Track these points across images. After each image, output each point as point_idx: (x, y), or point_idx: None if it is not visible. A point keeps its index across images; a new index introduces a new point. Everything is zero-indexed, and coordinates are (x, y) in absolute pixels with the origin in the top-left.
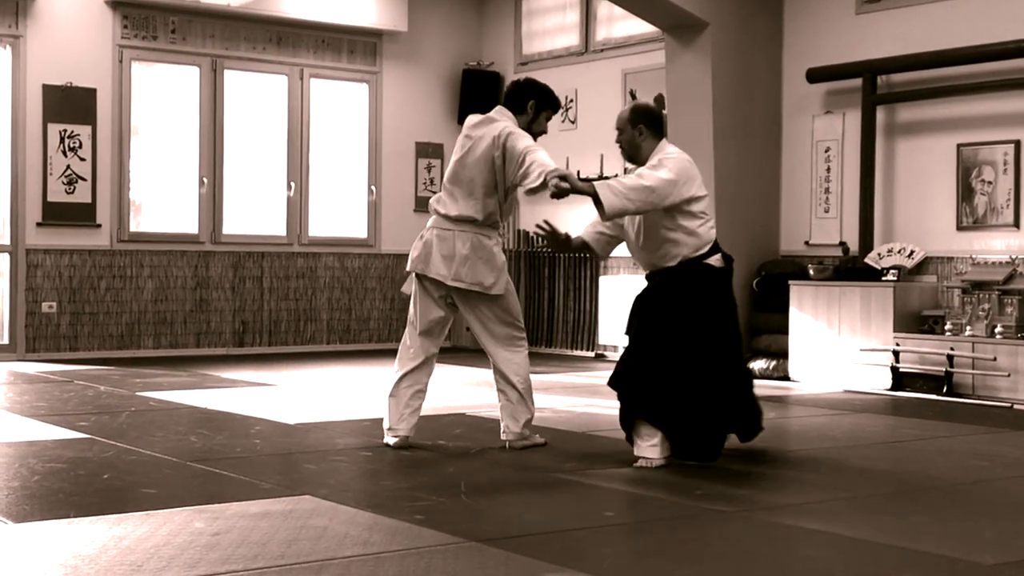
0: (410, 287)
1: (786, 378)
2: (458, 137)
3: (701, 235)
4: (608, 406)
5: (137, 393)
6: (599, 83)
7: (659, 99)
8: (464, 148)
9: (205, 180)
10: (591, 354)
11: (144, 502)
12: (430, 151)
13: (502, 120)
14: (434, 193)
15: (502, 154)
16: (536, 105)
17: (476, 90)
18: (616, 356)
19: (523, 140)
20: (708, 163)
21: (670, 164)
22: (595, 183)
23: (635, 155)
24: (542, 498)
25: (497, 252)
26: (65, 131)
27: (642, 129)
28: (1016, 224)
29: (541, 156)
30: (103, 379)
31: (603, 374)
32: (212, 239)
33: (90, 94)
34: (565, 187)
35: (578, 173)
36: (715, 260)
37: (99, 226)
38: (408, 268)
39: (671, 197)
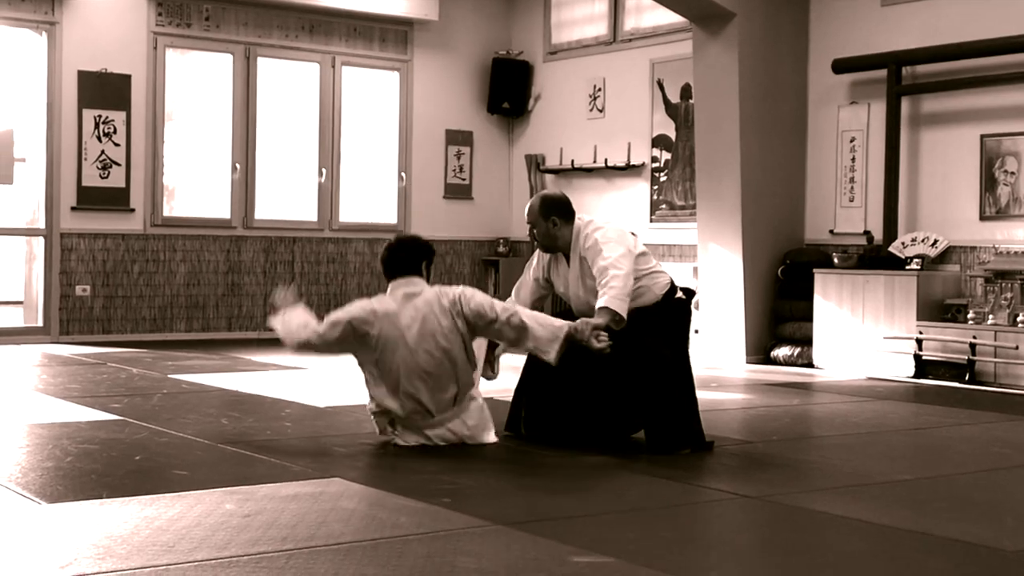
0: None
1: (810, 365)
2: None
3: (651, 287)
4: None
5: (169, 376)
6: (627, 73)
7: (686, 89)
8: (408, 337)
9: (238, 166)
10: None
11: (175, 483)
12: (460, 139)
13: (424, 289)
14: (463, 181)
15: (464, 320)
16: (427, 264)
17: (505, 79)
18: None
19: (482, 296)
20: (734, 152)
21: (614, 237)
22: (603, 306)
23: (552, 245)
24: (568, 482)
25: (482, 404)
26: (100, 117)
27: (555, 220)
28: None
29: (535, 316)
30: (136, 362)
31: None
32: (244, 224)
33: (125, 80)
34: (607, 342)
35: (604, 163)
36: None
37: (132, 210)
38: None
39: (632, 265)
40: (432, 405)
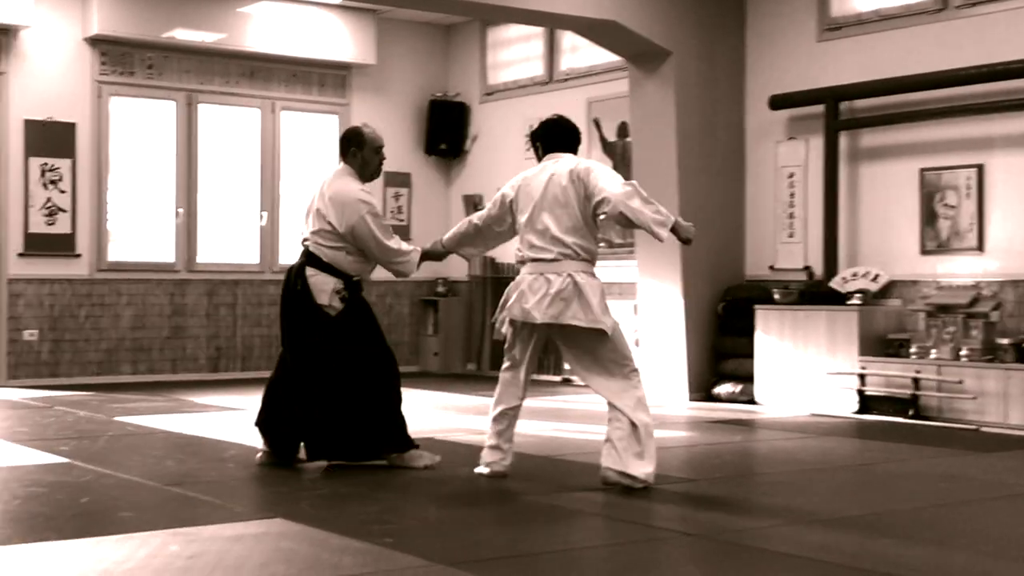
0: None
1: (752, 402)
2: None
3: None
4: (575, 430)
5: (115, 418)
6: (563, 112)
7: (623, 127)
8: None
9: (181, 210)
10: (557, 378)
11: (121, 525)
12: (398, 180)
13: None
14: (401, 222)
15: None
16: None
17: (443, 120)
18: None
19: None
20: (673, 189)
21: None
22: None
23: None
24: (511, 522)
25: None
26: (46, 164)
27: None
28: (980, 247)
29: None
30: (82, 404)
31: (569, 398)
32: (187, 267)
33: (70, 128)
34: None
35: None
36: None
37: (79, 256)
38: None
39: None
40: None
